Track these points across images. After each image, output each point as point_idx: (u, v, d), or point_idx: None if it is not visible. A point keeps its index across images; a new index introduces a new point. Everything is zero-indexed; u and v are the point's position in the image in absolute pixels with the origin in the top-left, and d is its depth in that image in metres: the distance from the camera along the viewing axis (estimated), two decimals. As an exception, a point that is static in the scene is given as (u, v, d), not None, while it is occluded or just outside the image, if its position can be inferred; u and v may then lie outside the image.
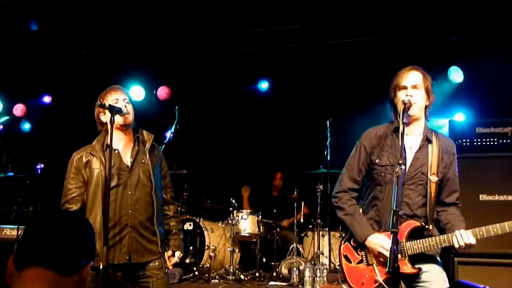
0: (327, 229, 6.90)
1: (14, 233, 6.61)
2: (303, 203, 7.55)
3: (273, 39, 7.82)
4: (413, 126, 3.36)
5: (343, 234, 3.57)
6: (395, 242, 2.76)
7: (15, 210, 6.99)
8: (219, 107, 8.73)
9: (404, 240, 3.19)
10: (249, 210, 7.25)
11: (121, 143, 3.81)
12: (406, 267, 3.16)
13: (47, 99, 8.75)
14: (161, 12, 7.21)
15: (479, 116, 6.77)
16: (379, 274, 3.21)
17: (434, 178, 3.25)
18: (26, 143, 8.72)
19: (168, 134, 6.77)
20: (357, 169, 3.45)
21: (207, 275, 6.53)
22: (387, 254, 3.08)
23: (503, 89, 6.80)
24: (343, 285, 3.40)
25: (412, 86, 3.31)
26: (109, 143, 3.61)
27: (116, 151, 3.75)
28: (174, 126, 6.90)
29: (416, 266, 3.17)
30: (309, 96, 8.35)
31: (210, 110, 8.72)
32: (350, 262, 3.40)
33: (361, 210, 3.45)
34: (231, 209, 7.07)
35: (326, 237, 6.87)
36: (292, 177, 7.95)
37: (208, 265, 6.80)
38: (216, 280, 6.39)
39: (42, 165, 7.30)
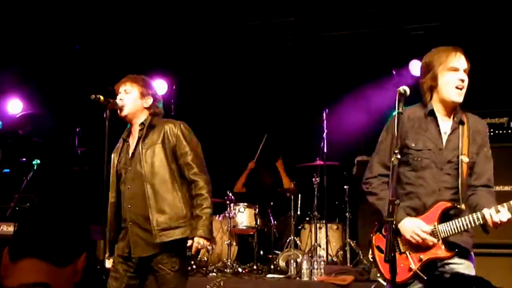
0: (324, 221, 6.91)
1: (11, 229, 6.59)
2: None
3: (268, 32, 7.81)
4: (448, 111, 3.22)
5: (374, 225, 3.36)
6: (392, 230, 2.73)
7: (12, 207, 6.98)
8: (215, 100, 8.72)
9: (436, 223, 3.07)
10: (245, 204, 7.23)
11: (131, 135, 3.84)
12: (441, 251, 3.04)
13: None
14: (156, 6, 7.19)
15: (475, 106, 6.77)
16: (413, 262, 3.08)
17: (465, 159, 3.13)
18: (22, 139, 8.69)
19: None
20: (389, 154, 3.19)
21: (204, 269, 6.54)
22: (424, 236, 3.02)
23: (500, 79, 6.81)
24: (379, 279, 3.24)
25: (465, 70, 3.16)
26: (106, 138, 3.65)
27: (128, 144, 3.80)
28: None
29: (453, 250, 3.03)
30: (305, 89, 8.34)
31: (206, 103, 8.71)
32: (382, 252, 3.17)
33: None
34: (228, 202, 7.07)
35: (323, 230, 6.88)
36: (288, 170, 7.95)
37: (205, 259, 6.80)
38: (213, 273, 6.40)
39: (39, 161, 7.28)
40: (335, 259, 6.82)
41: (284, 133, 8.39)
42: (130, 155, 3.75)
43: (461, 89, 3.14)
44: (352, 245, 6.75)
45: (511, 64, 6.83)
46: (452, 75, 3.14)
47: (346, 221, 7.00)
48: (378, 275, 3.25)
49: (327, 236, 6.81)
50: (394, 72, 7.42)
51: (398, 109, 3.01)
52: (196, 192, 3.67)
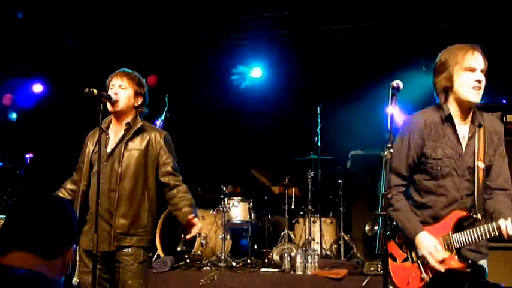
0: (318, 215, 6.92)
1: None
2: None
3: (262, 26, 7.78)
4: (465, 113, 3.08)
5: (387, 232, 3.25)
6: (385, 224, 2.74)
7: (5, 200, 6.97)
8: (209, 94, 8.70)
9: (450, 232, 2.98)
10: (239, 198, 7.23)
11: (113, 129, 3.83)
12: (454, 262, 2.96)
13: (37, 88, 8.65)
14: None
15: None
16: (425, 272, 3.01)
17: (481, 164, 3.01)
18: (14, 132, 8.66)
19: (158, 122, 6.76)
20: (406, 165, 3.12)
21: (198, 263, 6.55)
22: (433, 263, 2.95)
23: (493, 73, 6.81)
24: (390, 286, 3.19)
25: (482, 70, 3.03)
26: (99, 131, 3.65)
27: (108, 136, 3.79)
28: (164, 114, 6.89)
29: (466, 261, 2.96)
30: (300, 83, 8.33)
31: (200, 97, 8.68)
32: (395, 261, 3.15)
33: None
34: (222, 196, 7.07)
35: (317, 224, 6.89)
36: (283, 164, 7.94)
37: (199, 253, 6.81)
38: (207, 267, 6.40)
39: (32, 155, 7.26)
40: (329, 253, 6.84)
41: (278, 127, 8.39)
42: (109, 150, 3.76)
43: (478, 90, 3.01)
44: (346, 239, 6.77)
45: (505, 59, 6.84)
46: (469, 75, 3.01)
47: (340, 215, 7.01)
48: (389, 282, 3.15)
49: (320, 230, 6.82)
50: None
51: (391, 104, 2.95)
52: (181, 195, 3.78)
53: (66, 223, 1.79)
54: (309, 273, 6.06)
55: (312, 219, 6.85)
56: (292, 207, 7.36)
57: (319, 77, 8.13)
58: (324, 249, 6.81)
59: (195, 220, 3.66)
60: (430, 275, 3.00)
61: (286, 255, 6.44)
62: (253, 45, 8.10)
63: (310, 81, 8.21)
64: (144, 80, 3.96)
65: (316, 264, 6.15)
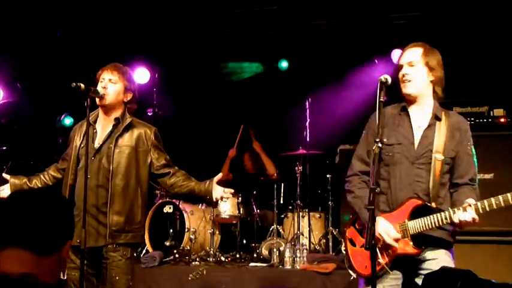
0: (306, 210, 6.94)
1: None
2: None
3: (252, 20, 7.76)
4: (419, 104, 3.29)
5: (350, 218, 3.49)
6: (373, 219, 2.76)
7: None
8: (199, 89, 8.68)
9: (407, 220, 3.11)
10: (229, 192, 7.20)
11: (100, 123, 3.81)
12: (409, 248, 3.09)
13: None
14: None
15: (456, 95, 6.82)
16: (382, 256, 3.14)
17: (440, 156, 3.15)
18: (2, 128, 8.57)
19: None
20: (366, 150, 3.36)
21: (187, 258, 6.53)
22: (388, 240, 3.08)
23: (480, 68, 6.86)
24: (349, 270, 3.34)
25: (408, 63, 3.25)
26: (86, 125, 3.63)
27: (95, 131, 3.76)
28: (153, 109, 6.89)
29: (420, 247, 3.08)
30: (289, 78, 8.33)
31: (190, 92, 8.67)
32: (354, 246, 3.33)
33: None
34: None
35: (306, 218, 6.91)
36: (272, 159, 7.94)
37: (188, 247, 6.80)
38: (196, 262, 6.39)
39: (4, 148, 7.20)
40: (317, 247, 6.86)
41: (266, 122, 8.38)
42: (96, 145, 3.73)
43: (406, 82, 3.24)
44: (335, 233, 6.79)
45: (492, 54, 6.88)
46: (400, 72, 3.27)
47: (329, 210, 7.03)
48: (347, 265, 3.28)
49: (309, 224, 6.84)
50: (376, 61, 7.43)
51: (379, 98, 3.04)
52: (185, 173, 3.99)
53: (62, 219, 1.77)
54: (298, 267, 6.07)
55: (300, 213, 6.86)
56: (281, 201, 7.38)
57: (308, 72, 8.14)
58: (313, 243, 6.83)
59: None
60: (387, 260, 3.13)
61: (275, 249, 6.44)
62: (243, 39, 8.09)
63: (298, 75, 8.21)
64: (133, 76, 3.94)
65: (305, 258, 6.16)
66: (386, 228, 3.11)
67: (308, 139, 7.01)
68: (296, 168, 7.04)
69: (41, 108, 8.20)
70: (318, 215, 7.17)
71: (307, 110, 7.05)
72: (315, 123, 7.10)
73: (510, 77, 6.55)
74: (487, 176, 5.46)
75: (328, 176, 7.16)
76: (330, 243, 6.79)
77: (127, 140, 3.75)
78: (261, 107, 8.45)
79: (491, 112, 5.70)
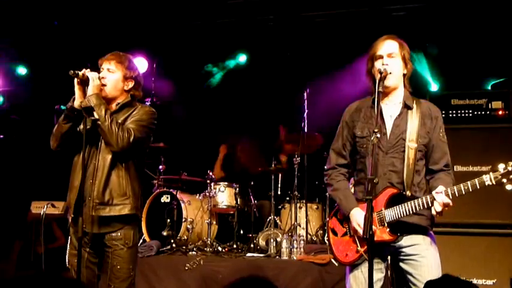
0: (304, 201, 6.94)
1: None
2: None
3: (249, 11, 7.74)
4: (392, 96, 3.34)
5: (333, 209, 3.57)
6: (371, 210, 2.77)
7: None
8: (195, 79, 8.66)
9: (383, 208, 3.19)
10: (225, 183, 7.23)
11: None
12: (385, 235, 3.17)
13: (21, 71, 8.56)
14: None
15: (454, 87, 6.82)
16: (360, 245, 3.24)
17: (413, 144, 3.22)
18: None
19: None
20: (342, 144, 3.47)
21: (184, 247, 6.54)
22: (360, 231, 3.16)
23: (479, 60, 6.86)
24: (332, 259, 3.43)
25: (388, 54, 3.27)
26: (84, 116, 3.59)
27: None
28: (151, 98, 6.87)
29: (396, 233, 3.15)
30: (286, 68, 8.31)
31: (187, 81, 8.65)
32: (336, 235, 3.43)
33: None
34: (208, 181, 7.06)
35: (303, 209, 6.91)
36: (269, 150, 7.94)
37: (185, 237, 6.81)
38: (193, 252, 6.40)
39: (2, 136, 7.20)
40: (314, 238, 6.87)
41: (265, 112, 8.38)
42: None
43: (387, 74, 3.20)
44: (332, 224, 6.80)
45: (490, 45, 6.87)
46: (378, 62, 3.26)
47: (326, 201, 7.03)
48: (329, 254, 3.38)
49: (306, 215, 6.85)
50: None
51: (378, 88, 3.09)
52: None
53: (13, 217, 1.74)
54: (295, 258, 6.09)
55: (298, 204, 6.87)
56: (279, 192, 7.38)
57: (306, 62, 8.12)
58: (310, 234, 6.84)
59: None
60: (365, 247, 3.20)
61: (272, 240, 6.46)
62: (240, 29, 8.07)
63: (297, 66, 8.20)
64: (134, 63, 3.87)
65: (302, 249, 6.17)
66: (360, 222, 3.17)
67: (306, 130, 7.00)
68: (294, 159, 7.05)
69: (40, 97, 8.19)
70: (315, 206, 7.18)
71: (306, 101, 7.03)
72: (313, 114, 7.09)
73: (509, 69, 6.56)
74: (484, 168, 5.46)
75: (325, 167, 7.14)
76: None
77: (120, 117, 3.69)
78: (259, 96, 8.43)
79: (490, 105, 5.70)
